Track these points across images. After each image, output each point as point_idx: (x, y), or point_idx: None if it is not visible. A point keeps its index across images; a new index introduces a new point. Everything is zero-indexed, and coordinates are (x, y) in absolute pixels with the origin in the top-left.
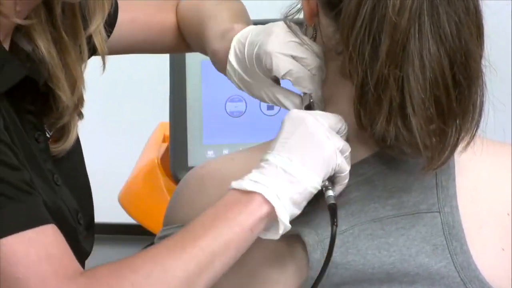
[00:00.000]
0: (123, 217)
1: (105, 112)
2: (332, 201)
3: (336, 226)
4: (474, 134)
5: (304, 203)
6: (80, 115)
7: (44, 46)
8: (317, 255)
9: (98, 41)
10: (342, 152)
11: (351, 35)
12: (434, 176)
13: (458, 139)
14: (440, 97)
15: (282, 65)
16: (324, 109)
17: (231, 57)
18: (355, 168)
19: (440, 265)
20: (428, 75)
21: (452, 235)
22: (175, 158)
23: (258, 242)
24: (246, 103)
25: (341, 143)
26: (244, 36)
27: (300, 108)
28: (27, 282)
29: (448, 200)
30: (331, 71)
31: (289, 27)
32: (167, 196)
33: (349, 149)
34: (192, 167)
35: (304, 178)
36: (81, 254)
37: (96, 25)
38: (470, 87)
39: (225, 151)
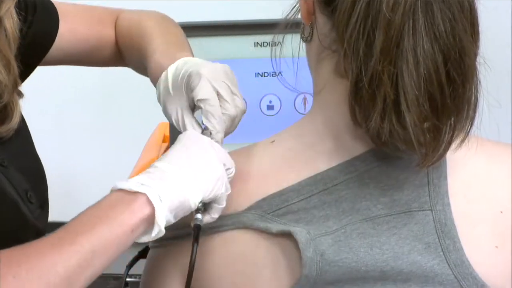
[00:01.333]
0: None
1: (105, 112)
2: (198, 223)
3: (197, 245)
4: (469, 131)
5: (180, 215)
6: (20, 94)
7: None
8: (310, 253)
9: (9, 24)
10: (226, 190)
11: (346, 32)
12: (426, 174)
13: (452, 136)
14: (434, 93)
15: (205, 91)
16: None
17: (171, 69)
18: (346, 165)
19: (433, 263)
20: (422, 71)
21: (445, 233)
22: None
23: (251, 241)
24: (246, 103)
25: (227, 178)
26: (189, 60)
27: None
28: None
29: (440, 198)
30: (326, 70)
31: (230, 71)
32: None
33: (229, 192)
34: None
35: (189, 191)
36: (31, 231)
37: (6, 9)
38: (464, 84)
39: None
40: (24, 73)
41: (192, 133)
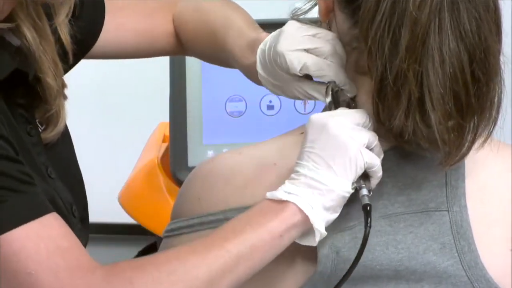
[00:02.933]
0: (123, 217)
1: (105, 112)
2: (366, 202)
3: (370, 227)
4: (492, 131)
5: (339, 208)
6: (64, 96)
7: (30, 35)
8: (326, 251)
9: (63, 32)
10: (369, 144)
11: (370, 29)
12: (444, 175)
13: (475, 135)
14: (459, 92)
15: (295, 61)
16: (352, 91)
17: (259, 68)
18: None
19: (448, 264)
20: (447, 70)
21: (460, 234)
22: (175, 158)
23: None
24: (246, 103)
25: (366, 137)
26: (264, 43)
27: (328, 97)
28: (40, 277)
29: (457, 199)
30: (346, 67)
31: (299, 21)
32: (167, 196)
33: (376, 139)
34: (192, 167)
35: (334, 185)
36: None
37: (64, 15)
38: (488, 84)
39: (225, 151)
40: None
41: (313, 120)
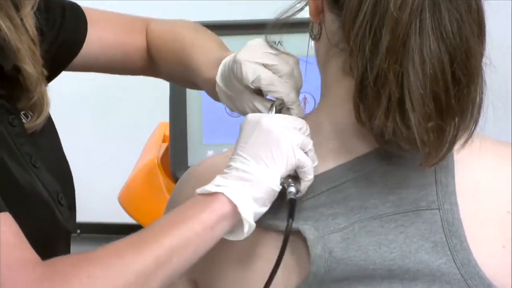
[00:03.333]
0: (123, 217)
1: (105, 112)
2: (292, 197)
3: (292, 220)
4: (473, 132)
5: (269, 201)
6: (45, 83)
7: (4, 25)
8: (318, 251)
9: (29, 24)
10: (303, 147)
11: (352, 30)
12: (434, 173)
13: (456, 136)
14: (439, 93)
15: (250, 71)
16: (299, 112)
17: (218, 78)
18: (354, 163)
19: (440, 262)
20: (427, 71)
21: (452, 232)
22: (175, 158)
23: (259, 238)
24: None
25: (300, 138)
26: (229, 57)
27: (272, 112)
28: None
29: (448, 197)
30: (333, 68)
31: (267, 41)
32: (167, 196)
33: (311, 144)
34: None
35: (264, 177)
36: (63, 234)
37: (30, 8)
38: (469, 85)
39: (225, 151)
40: (48, 78)
41: (248, 117)
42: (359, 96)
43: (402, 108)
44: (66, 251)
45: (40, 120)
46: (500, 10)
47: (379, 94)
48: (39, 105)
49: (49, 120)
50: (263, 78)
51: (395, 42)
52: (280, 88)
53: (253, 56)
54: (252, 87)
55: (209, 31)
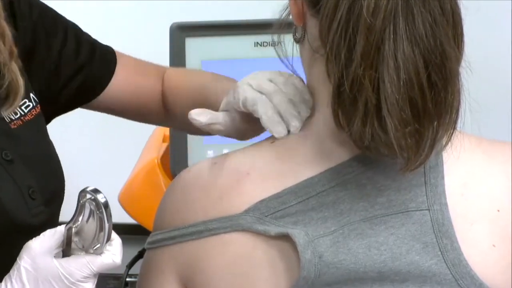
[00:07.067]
0: (123, 217)
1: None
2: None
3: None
4: (452, 134)
5: None
6: (18, 62)
7: None
8: (308, 255)
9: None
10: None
11: (328, 36)
12: (423, 174)
13: (435, 139)
14: (415, 98)
15: (241, 92)
16: (278, 132)
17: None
18: (343, 166)
19: (431, 263)
20: (402, 76)
21: (442, 233)
22: (175, 158)
23: (249, 243)
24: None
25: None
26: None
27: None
28: None
29: (437, 197)
30: (316, 73)
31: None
32: None
33: None
34: None
35: None
36: (25, 230)
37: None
38: (446, 88)
39: (225, 151)
40: (62, 110)
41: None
42: (338, 102)
43: (379, 114)
44: None
45: (18, 101)
46: (500, 10)
47: (355, 100)
48: (14, 86)
49: (38, 117)
50: (249, 98)
51: (369, 48)
52: (259, 108)
53: (249, 79)
54: (244, 110)
55: (223, 75)
